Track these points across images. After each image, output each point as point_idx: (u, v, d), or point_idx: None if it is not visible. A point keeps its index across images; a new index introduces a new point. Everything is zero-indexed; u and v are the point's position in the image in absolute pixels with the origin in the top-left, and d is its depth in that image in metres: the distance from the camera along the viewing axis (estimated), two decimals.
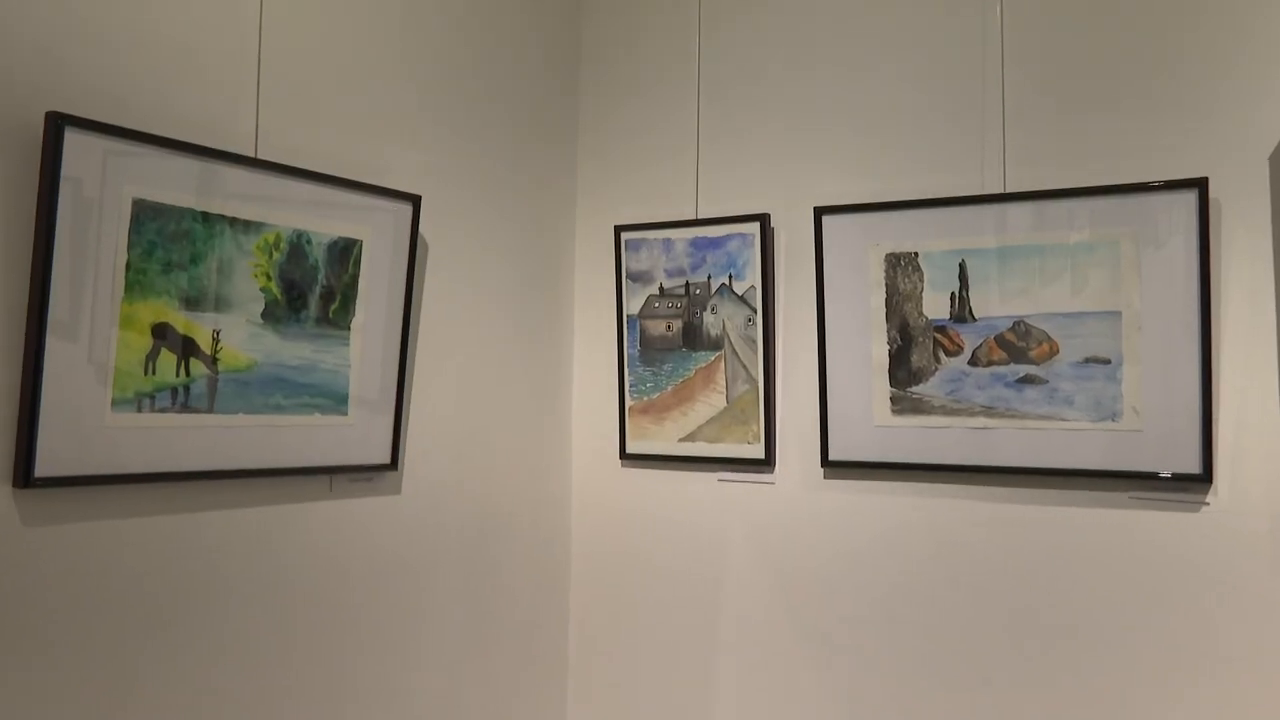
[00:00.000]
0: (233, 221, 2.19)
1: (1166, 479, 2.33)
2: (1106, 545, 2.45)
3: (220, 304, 2.18)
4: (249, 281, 2.23)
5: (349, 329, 2.44)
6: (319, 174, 2.37)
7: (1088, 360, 2.41)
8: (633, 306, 3.06)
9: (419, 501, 2.72)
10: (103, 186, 1.97)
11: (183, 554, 2.19)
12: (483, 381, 2.91)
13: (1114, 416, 2.38)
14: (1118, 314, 2.37)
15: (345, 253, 2.43)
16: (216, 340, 2.17)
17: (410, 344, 2.65)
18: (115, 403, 2.02)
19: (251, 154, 2.27)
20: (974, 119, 2.60)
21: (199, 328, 2.15)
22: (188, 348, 2.13)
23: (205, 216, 2.15)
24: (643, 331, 3.04)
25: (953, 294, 2.55)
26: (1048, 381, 2.45)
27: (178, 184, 2.09)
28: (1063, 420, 2.43)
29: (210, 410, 2.17)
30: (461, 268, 2.85)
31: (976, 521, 2.59)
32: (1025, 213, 2.46)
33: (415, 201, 2.59)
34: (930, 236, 2.56)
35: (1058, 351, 2.44)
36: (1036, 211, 2.45)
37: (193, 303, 2.14)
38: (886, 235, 2.63)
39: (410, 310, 2.61)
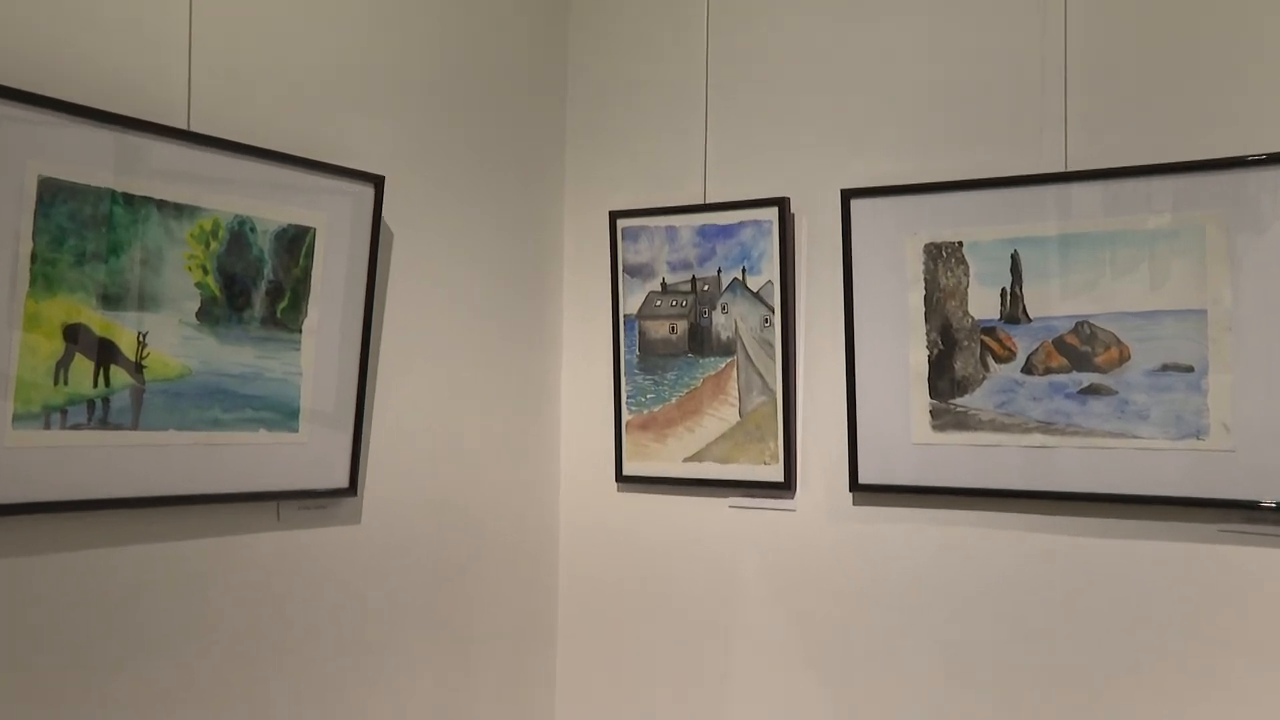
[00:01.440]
0: (161, 205, 2.16)
1: (1268, 509, 2.29)
2: (1190, 587, 2.42)
3: (147, 302, 2.15)
4: (181, 275, 2.20)
5: (300, 331, 2.43)
6: (264, 150, 2.34)
7: (1165, 367, 2.38)
8: (630, 305, 3.05)
9: (382, 532, 2.71)
10: (2, 161, 1.92)
11: (100, 596, 2.15)
12: (457, 393, 2.91)
13: (1198, 434, 2.35)
14: (1202, 312, 2.34)
15: (295, 242, 2.42)
16: (142, 344, 2.14)
17: (372, 349, 2.65)
18: (17, 418, 1.98)
19: (183, 125, 2.24)
20: (1030, 83, 2.57)
21: (121, 329, 2.11)
22: (107, 353, 2.09)
23: (128, 199, 2.12)
24: (642, 334, 3.04)
25: (1004, 290, 2.54)
26: (1117, 392, 2.43)
27: (93, 160, 2.05)
28: (1135, 438, 2.41)
29: (135, 427, 2.14)
30: (432, 260, 2.84)
31: (1032, 557, 2.57)
32: (1092, 194, 2.44)
33: (378, 183, 2.58)
34: (977, 223, 2.55)
35: (1129, 357, 2.41)
36: (1106, 192, 2.43)
37: (113, 300, 2.10)
38: (926, 222, 2.61)
39: (372, 309, 2.60)
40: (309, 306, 2.45)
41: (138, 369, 2.14)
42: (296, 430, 2.44)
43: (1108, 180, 2.42)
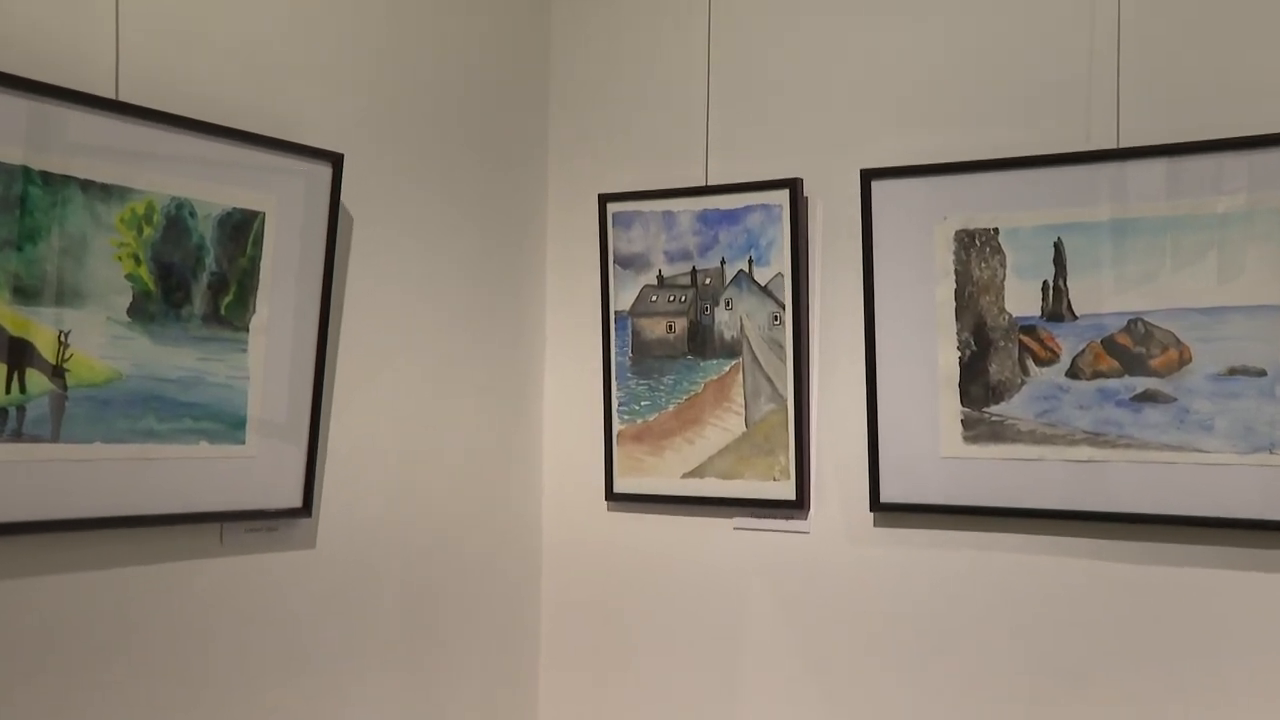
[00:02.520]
0: (86, 185, 2.16)
1: None
2: (1262, 621, 2.42)
3: (69, 296, 2.15)
4: (110, 266, 2.20)
5: (247, 330, 2.45)
6: (204, 123, 2.35)
7: (1233, 371, 2.38)
8: (623, 301, 3.07)
9: (341, 558, 2.73)
10: None
11: (12, 634, 2.15)
12: (427, 400, 2.94)
13: (1272, 447, 2.35)
14: (1278, 309, 2.35)
15: (242, 229, 2.43)
16: (63, 344, 2.14)
17: (330, 350, 2.65)
18: None
19: (110, 94, 2.23)
20: (1076, 47, 2.59)
21: (38, 328, 2.10)
22: (20, 354, 2.08)
23: (45, 178, 2.11)
24: (635, 333, 3.05)
25: (1045, 283, 2.56)
26: (1176, 399, 2.44)
27: (4, 133, 2.04)
28: (1198, 451, 2.42)
29: (54, 439, 2.14)
30: (398, 250, 2.86)
31: (1078, 587, 2.58)
32: (1151, 173, 2.44)
33: (335, 162, 2.59)
34: (1016, 207, 2.57)
35: (1189, 359, 2.43)
36: (1168, 171, 2.43)
37: (28, 294, 2.09)
38: (957, 206, 2.63)
39: (330, 305, 2.61)
40: (257, 302, 2.46)
41: (58, 373, 2.14)
42: (243, 442, 2.45)
43: (1169, 157, 2.43)
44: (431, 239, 2.94)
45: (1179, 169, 2.42)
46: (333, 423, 2.69)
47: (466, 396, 3.03)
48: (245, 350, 2.44)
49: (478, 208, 3.05)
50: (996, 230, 2.60)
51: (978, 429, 2.62)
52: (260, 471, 2.48)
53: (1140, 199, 2.45)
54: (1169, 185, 2.43)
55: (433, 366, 2.94)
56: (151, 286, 2.26)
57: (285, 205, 2.49)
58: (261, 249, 2.45)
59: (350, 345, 2.73)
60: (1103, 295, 2.49)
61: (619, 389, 3.06)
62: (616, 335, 3.07)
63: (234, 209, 2.40)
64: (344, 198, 2.65)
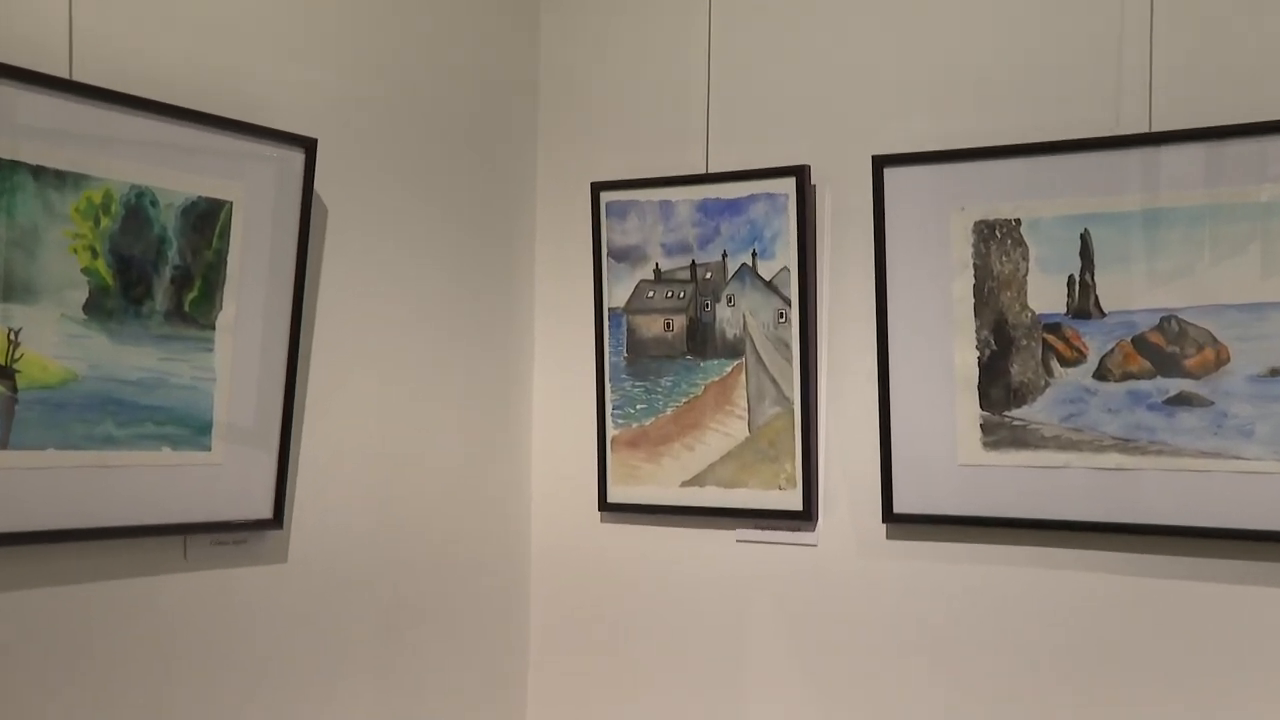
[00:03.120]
0: (38, 172, 2.16)
1: None
2: None
3: (20, 292, 2.14)
4: (64, 259, 2.20)
5: (213, 328, 2.46)
6: (166, 105, 2.35)
7: (1275, 372, 2.39)
8: (617, 297, 3.08)
9: (315, 573, 2.74)
10: None
11: None
12: (407, 404, 2.95)
13: None
14: None
15: (207, 219, 2.43)
16: (13, 343, 2.14)
17: (303, 350, 2.66)
18: None
19: (64, 74, 2.23)
20: (1105, 22, 2.59)
21: None
22: None
23: None
24: (631, 332, 3.06)
25: (1071, 278, 2.56)
26: (1212, 403, 2.44)
27: None
28: (1236, 459, 2.43)
29: (4, 445, 2.14)
30: (376, 243, 2.87)
31: (1107, 604, 2.59)
32: (1187, 159, 2.45)
33: (308, 148, 2.60)
34: (1039, 195, 2.58)
35: (1227, 359, 2.42)
36: (1206, 156, 2.43)
37: None
38: (976, 195, 2.65)
39: (302, 302, 2.62)
40: (224, 298, 2.47)
41: (7, 374, 2.13)
42: (208, 449, 2.46)
43: (1207, 141, 2.43)
44: (412, 231, 2.94)
45: (1218, 154, 2.42)
46: (305, 428, 2.69)
47: (449, 400, 3.04)
48: (211, 350, 2.44)
49: (461, 197, 3.06)
50: (1018, 221, 2.60)
51: (998, 434, 2.63)
52: (227, 480, 2.49)
53: (1175, 187, 2.45)
54: (1207, 172, 2.43)
55: (413, 367, 2.95)
56: (110, 281, 2.27)
57: (254, 194, 2.50)
58: (228, 241, 2.45)
59: (324, 345, 2.73)
60: (1133, 290, 2.49)
61: (613, 391, 3.07)
62: (610, 334, 3.07)
63: (199, 198, 2.40)
64: (318, 186, 2.65)
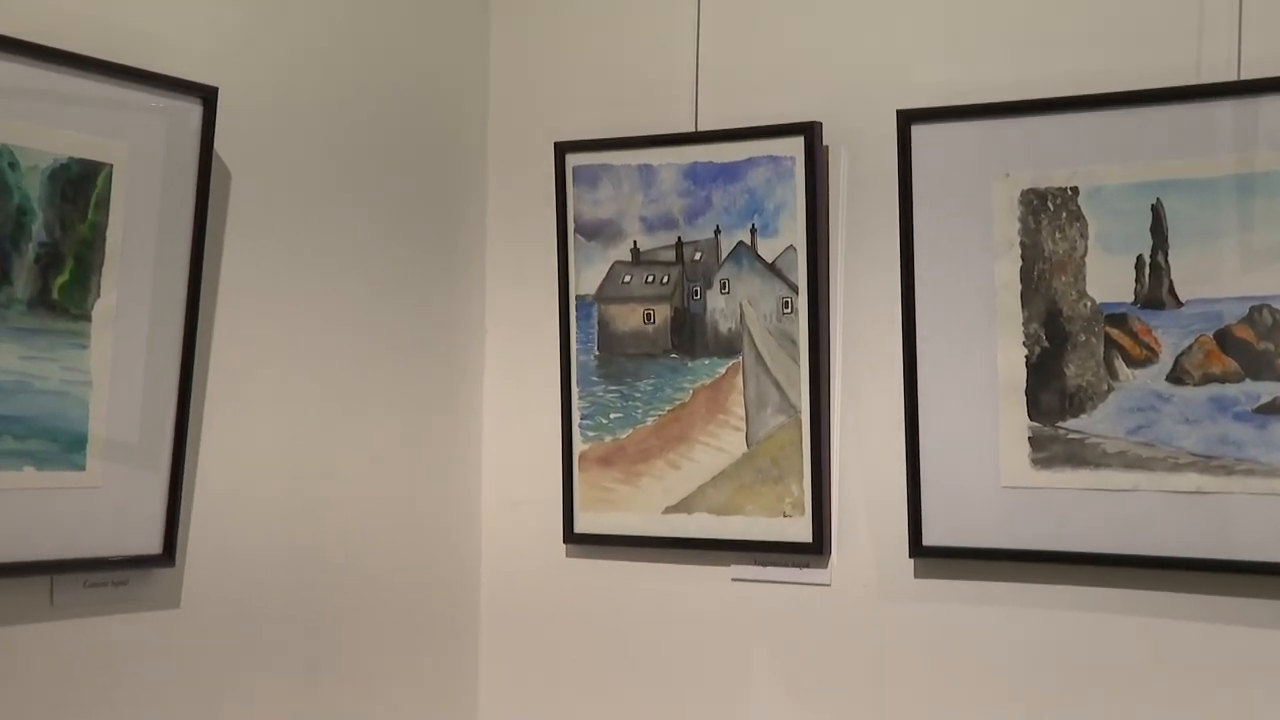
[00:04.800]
0: None
1: None
2: None
3: None
4: None
5: (89, 319, 2.46)
6: (29, 45, 2.34)
7: None
8: (587, 282, 3.08)
9: (215, 620, 2.72)
10: None
11: None
12: (328, 412, 2.95)
13: None
14: None
15: (81, 186, 2.43)
16: None
17: (201, 347, 2.66)
18: None
19: None
20: None
21: None
22: None
23: None
24: (604, 324, 3.07)
25: (1140, 259, 2.56)
26: None
27: None
28: None
29: None
30: (290, 215, 2.87)
31: (1186, 657, 2.59)
32: None
33: (207, 99, 2.60)
34: (1102, 159, 2.59)
35: None
36: None
37: None
38: (1024, 158, 2.66)
39: (200, 288, 2.61)
40: (102, 283, 2.46)
41: None
42: (83, 468, 2.46)
43: None
44: (336, 203, 2.94)
45: None
46: (204, 443, 2.68)
47: (381, 408, 3.05)
48: (86, 346, 2.44)
49: (396, 159, 3.07)
50: (1075, 190, 2.60)
51: (1050, 450, 2.63)
52: (106, 506, 2.49)
53: (1272, 147, 2.46)
54: None
55: (338, 369, 2.95)
56: None
57: (140, 155, 2.50)
58: (107, 213, 2.45)
59: (228, 341, 2.72)
60: (1217, 275, 2.51)
61: (581, 397, 3.07)
62: (578, 327, 3.07)
63: (70, 159, 2.40)
64: (218, 146, 2.63)
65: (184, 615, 2.64)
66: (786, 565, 2.88)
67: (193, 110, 2.56)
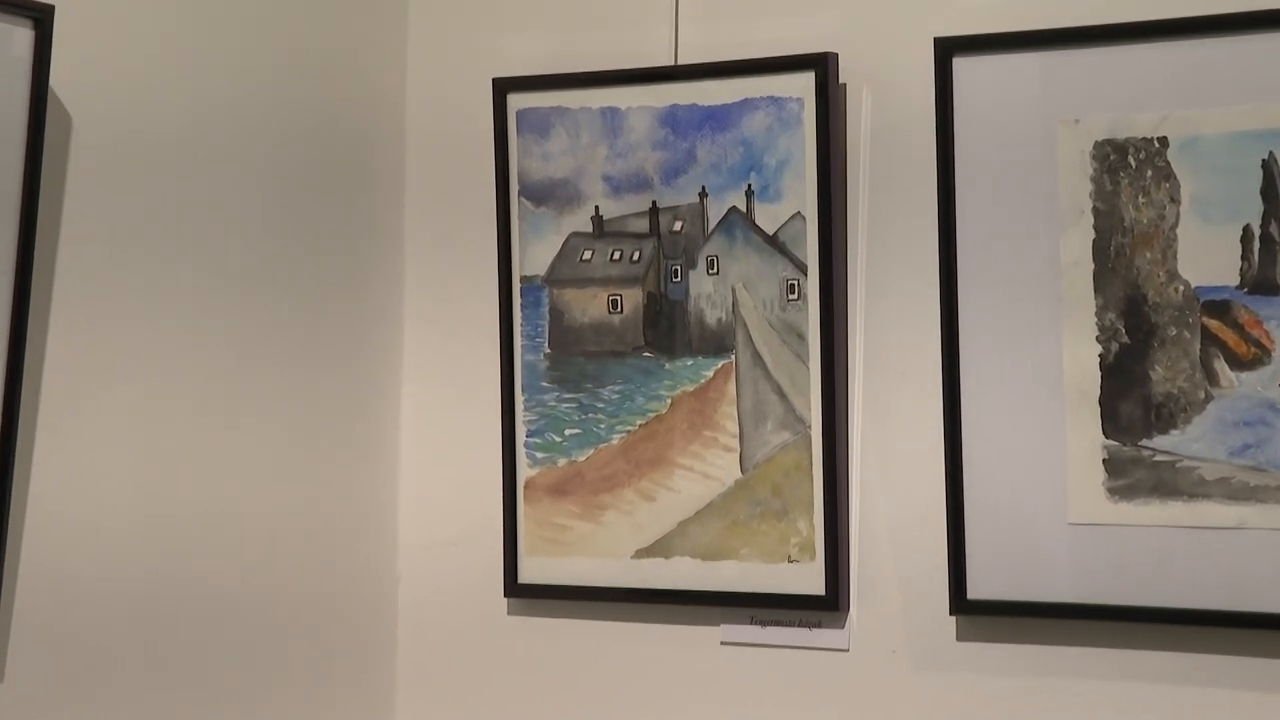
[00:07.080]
0: None
1: None
2: None
3: None
4: None
5: None
6: None
7: None
8: (535, 261, 3.11)
9: (44, 691, 2.71)
10: None
11: None
12: (197, 425, 2.96)
13: None
14: None
15: None
16: None
17: (33, 342, 2.64)
18: None
19: None
20: None
21: None
22: None
23: None
24: (557, 314, 3.10)
25: (1248, 230, 2.55)
26: None
27: None
28: None
29: None
30: (149, 172, 2.86)
31: None
32: None
33: (39, 20, 2.58)
34: (1196, 102, 2.60)
35: None
36: None
37: None
38: (1098, 99, 2.67)
39: (31, 267, 2.60)
40: None
41: None
42: None
43: None
44: (209, 160, 2.95)
45: None
46: (36, 462, 2.66)
47: (268, 422, 3.06)
48: None
49: (285, 97, 3.09)
50: (1165, 140, 2.60)
51: (1132, 476, 2.62)
52: None
53: None
54: None
55: (213, 372, 2.96)
56: None
57: None
58: None
59: (68, 333, 2.71)
60: None
61: (528, 409, 3.08)
62: (524, 318, 3.09)
63: None
64: (54, 83, 2.62)
65: (8, 688, 2.61)
66: (792, 625, 2.88)
67: (22, 36, 2.54)
